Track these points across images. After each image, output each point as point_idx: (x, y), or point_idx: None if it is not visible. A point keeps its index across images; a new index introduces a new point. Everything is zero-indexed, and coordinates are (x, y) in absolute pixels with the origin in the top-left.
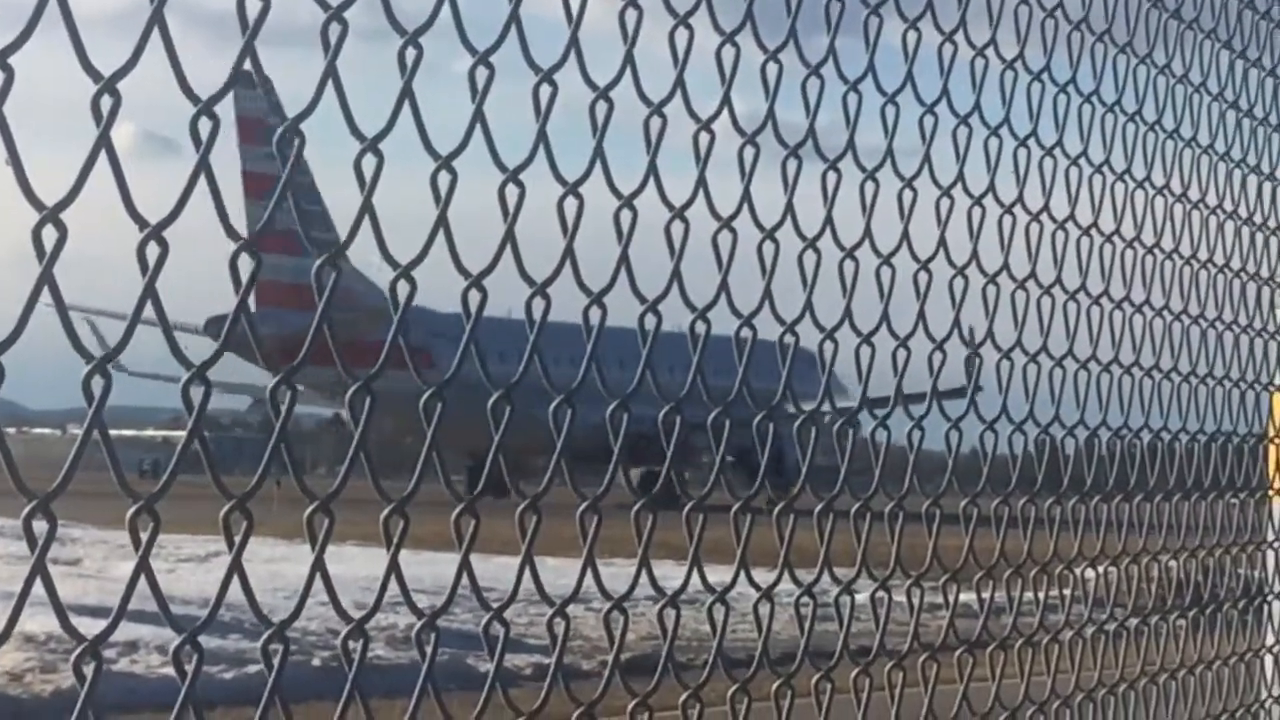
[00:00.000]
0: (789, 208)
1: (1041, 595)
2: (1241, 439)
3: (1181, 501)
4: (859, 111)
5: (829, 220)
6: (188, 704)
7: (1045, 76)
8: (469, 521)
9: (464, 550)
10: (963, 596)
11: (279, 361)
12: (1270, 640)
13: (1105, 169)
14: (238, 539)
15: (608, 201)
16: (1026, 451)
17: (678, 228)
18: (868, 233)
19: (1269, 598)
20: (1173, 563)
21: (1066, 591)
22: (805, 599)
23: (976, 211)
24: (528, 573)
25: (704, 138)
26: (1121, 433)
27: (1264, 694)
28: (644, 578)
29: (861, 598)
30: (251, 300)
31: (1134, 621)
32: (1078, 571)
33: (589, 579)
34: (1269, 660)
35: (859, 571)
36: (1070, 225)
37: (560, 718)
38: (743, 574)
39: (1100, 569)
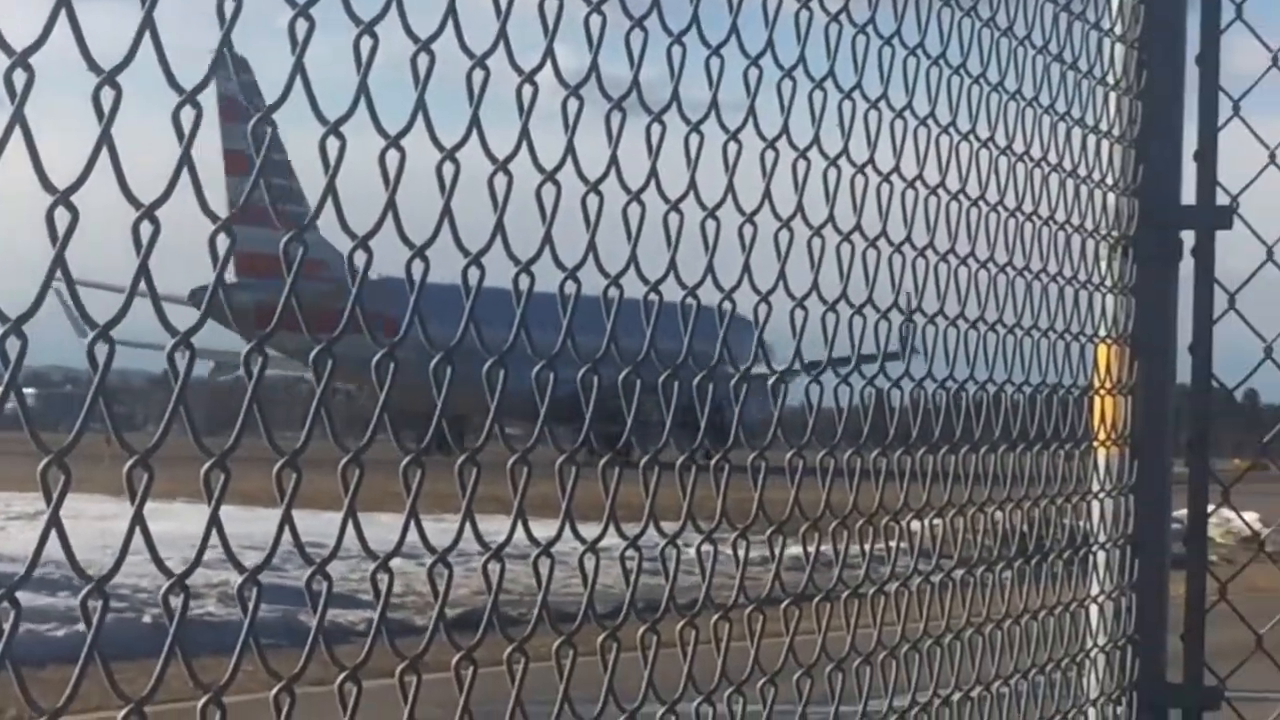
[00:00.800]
0: (613, 160)
1: (868, 547)
2: (1066, 390)
3: (1008, 453)
4: (683, 64)
5: (653, 173)
6: (3, 661)
7: (870, 29)
8: (290, 475)
9: (285, 505)
10: (791, 550)
11: (256, 327)
12: (1095, 590)
13: (930, 122)
14: (55, 494)
15: (432, 155)
16: (852, 404)
17: (501, 180)
18: (692, 185)
19: (1093, 548)
20: (999, 514)
21: (894, 544)
22: (631, 552)
23: (801, 164)
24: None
25: (527, 90)
26: (947, 384)
27: (1089, 643)
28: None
29: (688, 552)
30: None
31: (960, 572)
32: (904, 523)
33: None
34: (1094, 610)
35: (684, 524)
36: (895, 178)
37: (385, 672)
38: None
39: (927, 521)
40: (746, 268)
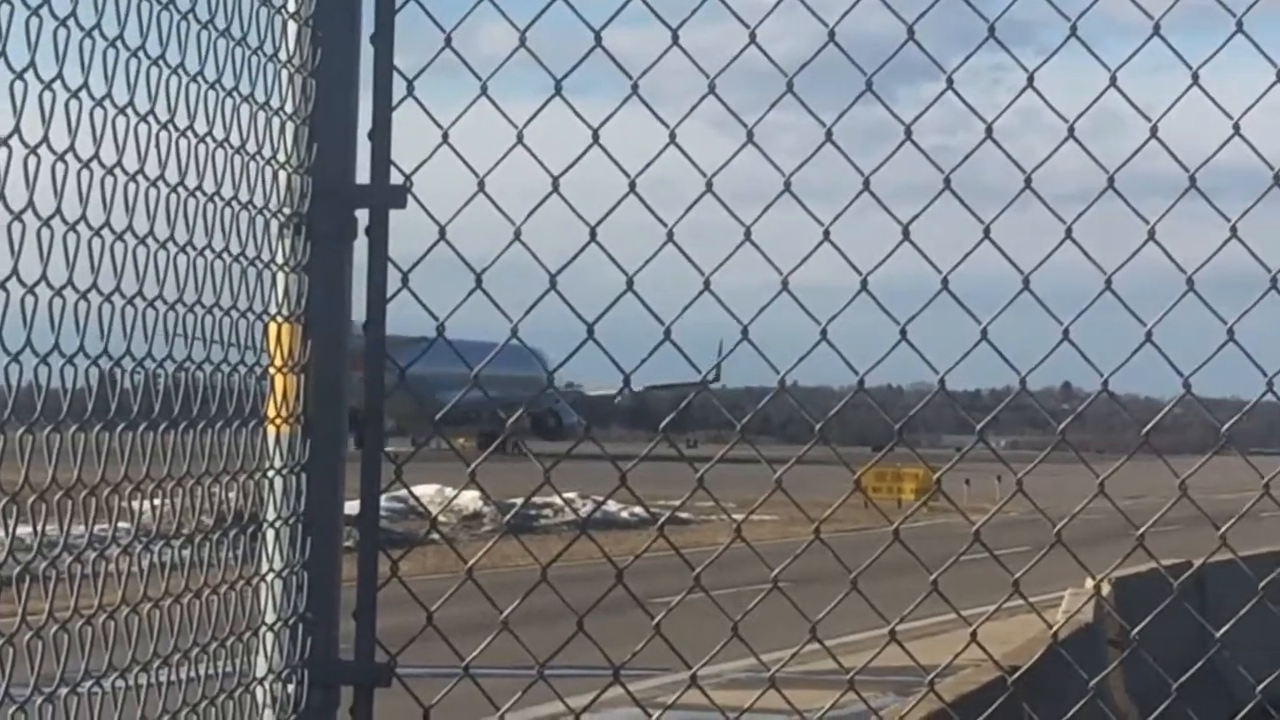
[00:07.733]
0: None
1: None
2: (233, 368)
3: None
4: None
5: None
6: None
7: None
8: None
9: None
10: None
11: None
12: (265, 568)
13: (83, 94)
14: None
15: None
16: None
17: None
18: None
19: (264, 526)
20: (179, 492)
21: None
22: None
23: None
24: None
25: None
26: (124, 363)
27: (258, 621)
28: None
29: None
30: None
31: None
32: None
33: None
34: (264, 588)
35: None
36: (44, 150)
37: None
38: None
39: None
40: None
